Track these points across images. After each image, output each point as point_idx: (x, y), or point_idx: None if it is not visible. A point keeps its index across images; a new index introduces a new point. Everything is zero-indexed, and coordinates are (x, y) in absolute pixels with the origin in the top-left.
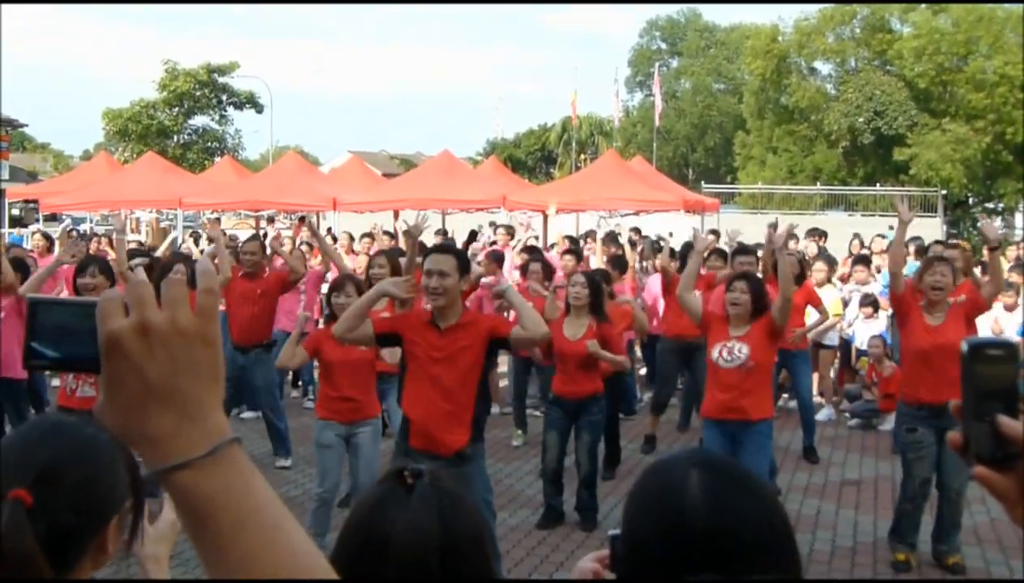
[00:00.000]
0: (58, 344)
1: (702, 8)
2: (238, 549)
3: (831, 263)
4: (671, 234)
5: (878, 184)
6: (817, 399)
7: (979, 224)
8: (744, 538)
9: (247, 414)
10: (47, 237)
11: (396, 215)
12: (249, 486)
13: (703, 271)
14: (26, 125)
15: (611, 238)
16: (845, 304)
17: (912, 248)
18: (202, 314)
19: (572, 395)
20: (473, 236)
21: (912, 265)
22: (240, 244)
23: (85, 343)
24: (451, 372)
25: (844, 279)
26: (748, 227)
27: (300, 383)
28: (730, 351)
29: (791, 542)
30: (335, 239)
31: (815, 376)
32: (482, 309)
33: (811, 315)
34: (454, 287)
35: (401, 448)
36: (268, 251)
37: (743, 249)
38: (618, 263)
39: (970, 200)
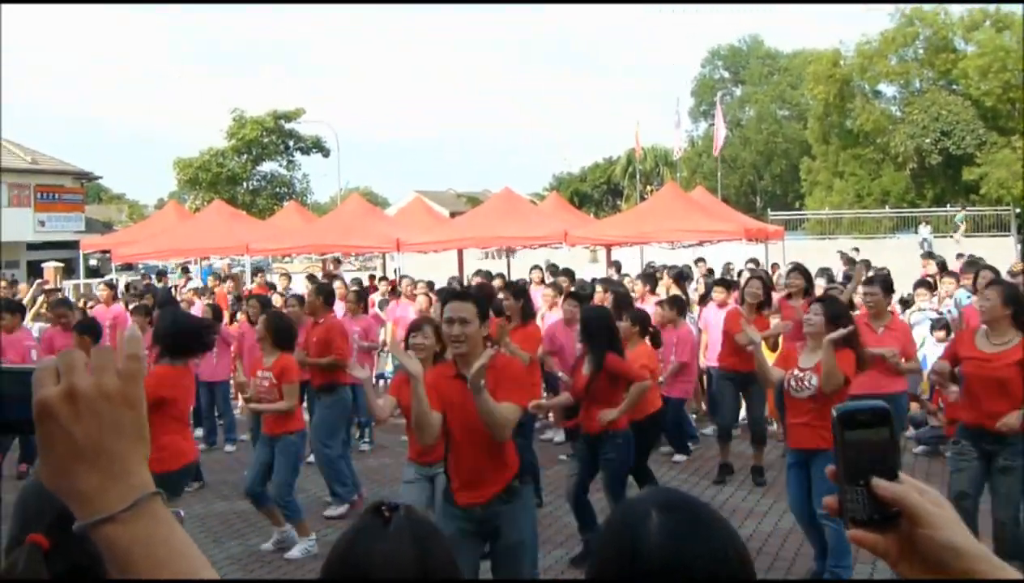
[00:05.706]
0: (1, 408)
1: (764, 34)
2: None
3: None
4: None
5: (948, 205)
6: None
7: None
8: (698, 579)
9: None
10: (111, 286)
11: (460, 254)
12: (167, 536)
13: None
14: (100, 177)
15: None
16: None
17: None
18: (126, 378)
19: (589, 429)
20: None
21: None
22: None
23: (23, 408)
24: (481, 425)
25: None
26: (814, 254)
27: (358, 423)
28: (799, 381)
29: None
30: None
31: None
32: (554, 343)
33: None
34: (475, 334)
35: (447, 509)
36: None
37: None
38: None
39: None
